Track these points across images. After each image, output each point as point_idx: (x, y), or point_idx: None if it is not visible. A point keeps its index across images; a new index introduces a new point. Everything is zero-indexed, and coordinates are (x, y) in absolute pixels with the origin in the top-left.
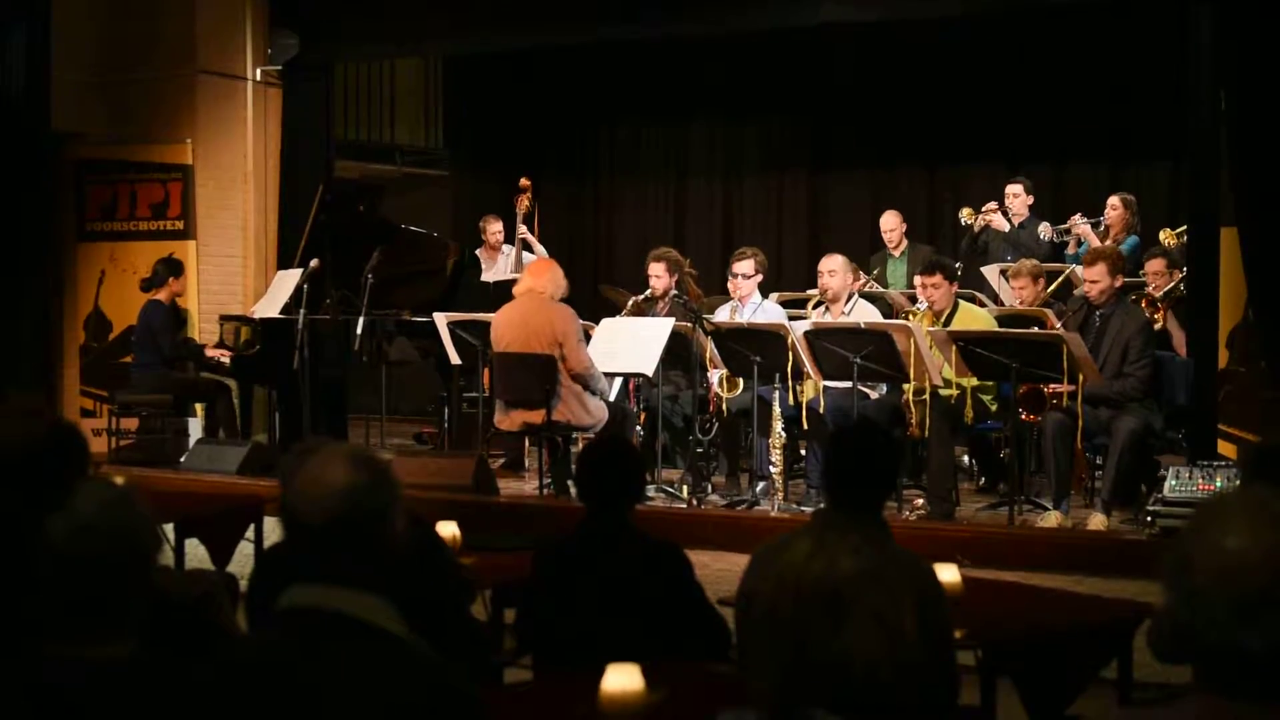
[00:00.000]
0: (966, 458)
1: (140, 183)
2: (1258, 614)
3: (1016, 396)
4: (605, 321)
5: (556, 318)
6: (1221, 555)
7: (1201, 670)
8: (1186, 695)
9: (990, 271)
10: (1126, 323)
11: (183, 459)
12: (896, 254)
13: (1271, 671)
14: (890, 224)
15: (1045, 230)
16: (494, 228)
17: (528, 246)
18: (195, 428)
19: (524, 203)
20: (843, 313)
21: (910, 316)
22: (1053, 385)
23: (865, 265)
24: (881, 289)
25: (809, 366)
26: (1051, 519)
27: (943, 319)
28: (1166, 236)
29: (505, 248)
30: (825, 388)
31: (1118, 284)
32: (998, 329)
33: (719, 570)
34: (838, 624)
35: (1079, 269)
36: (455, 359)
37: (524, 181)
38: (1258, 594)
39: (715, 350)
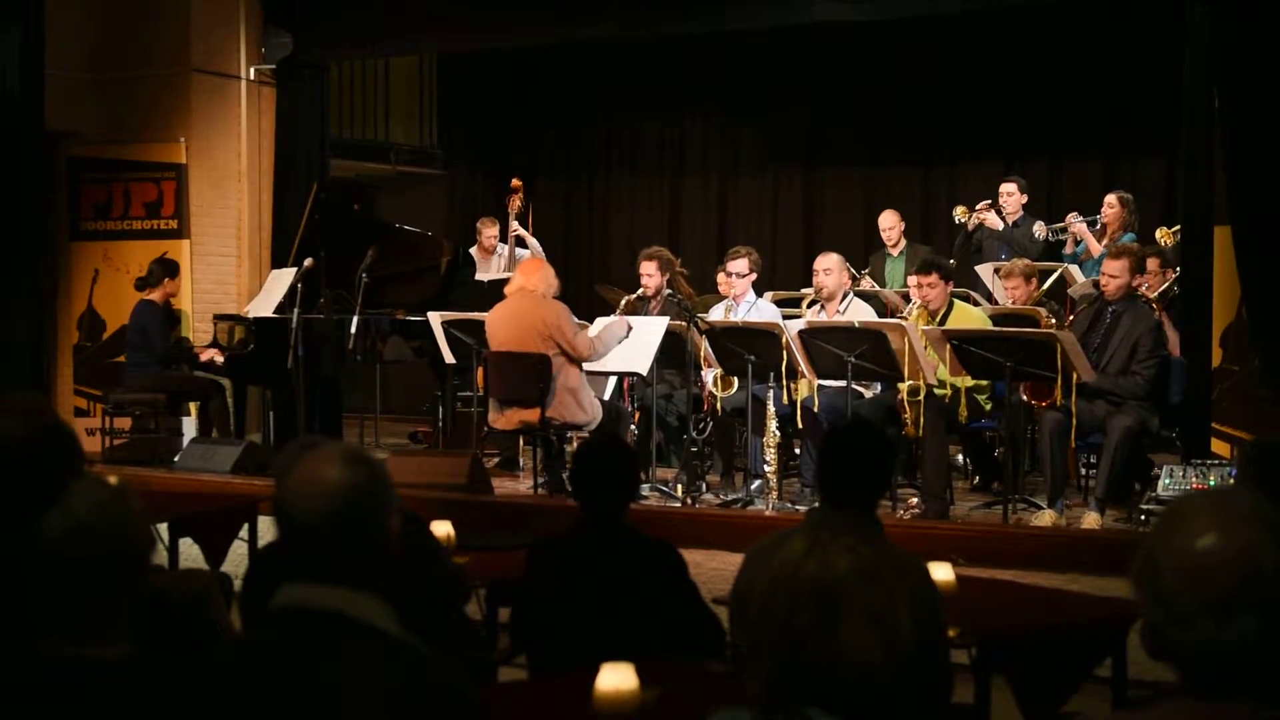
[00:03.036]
0: (961, 456)
1: (134, 181)
2: (1229, 614)
3: (1024, 384)
4: (599, 320)
5: (548, 315)
6: (1190, 556)
7: (1179, 672)
8: (1170, 698)
9: (984, 270)
10: (1138, 321)
11: (176, 458)
12: (895, 253)
13: (1246, 670)
14: (888, 223)
15: (1040, 230)
16: (490, 230)
17: (521, 243)
18: (189, 427)
19: (515, 203)
20: (837, 311)
21: (906, 317)
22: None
23: (862, 264)
24: (878, 288)
25: (803, 365)
26: (1046, 518)
27: (938, 318)
28: (1162, 235)
29: (500, 247)
30: (820, 387)
31: (1135, 282)
32: (992, 328)
33: (713, 569)
34: (832, 623)
35: (1073, 268)
36: (449, 358)
37: (515, 182)
38: (1228, 594)
39: (710, 349)
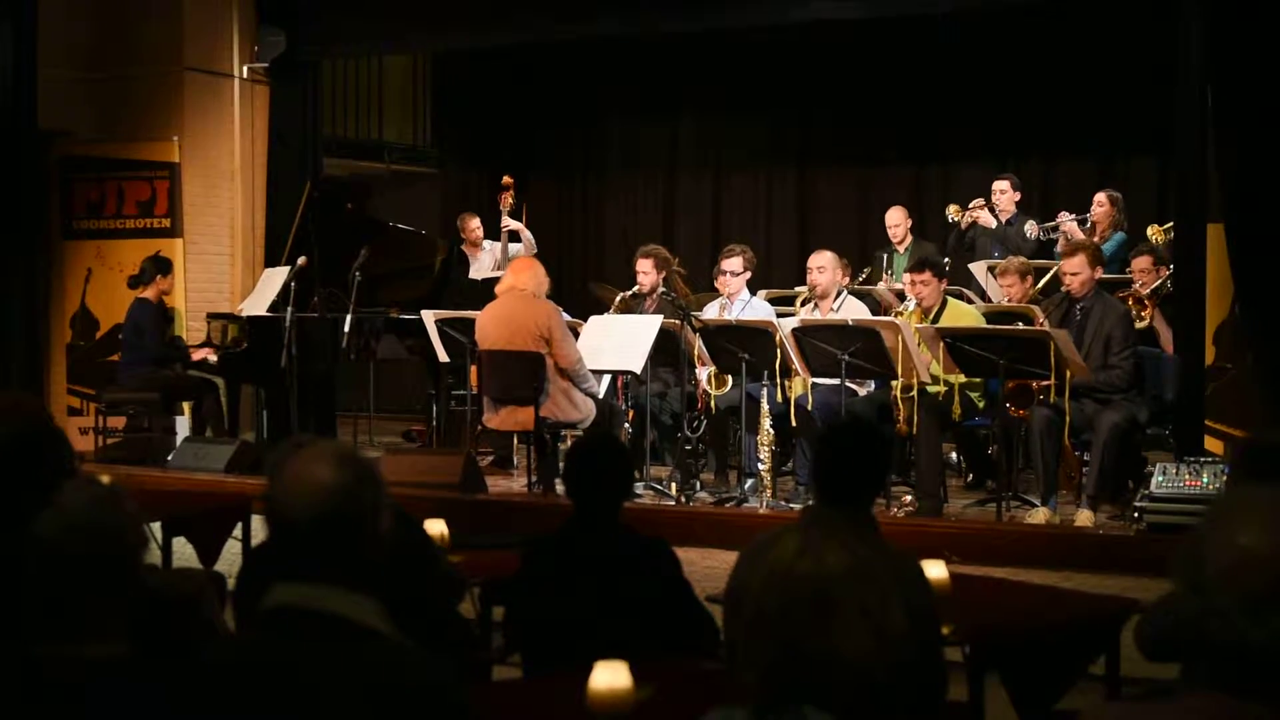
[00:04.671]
0: (954, 454)
1: (127, 180)
2: (1265, 612)
3: (1004, 392)
4: (594, 319)
5: (539, 315)
6: (1232, 551)
7: (1203, 665)
8: (1182, 689)
9: (978, 268)
10: (1107, 314)
11: (170, 457)
12: (901, 249)
13: (1274, 669)
14: (895, 219)
15: (1032, 229)
16: (472, 224)
17: (515, 237)
18: (182, 426)
19: (507, 200)
20: (831, 309)
21: (899, 315)
22: (1039, 381)
23: (867, 259)
24: (871, 286)
25: (797, 364)
26: (1039, 515)
27: (931, 316)
28: (1155, 233)
29: (486, 243)
30: (813, 385)
31: (1096, 275)
32: (985, 326)
33: (707, 568)
34: (825, 621)
35: None
36: (443, 356)
37: (506, 179)
38: (1266, 592)
39: (704, 347)
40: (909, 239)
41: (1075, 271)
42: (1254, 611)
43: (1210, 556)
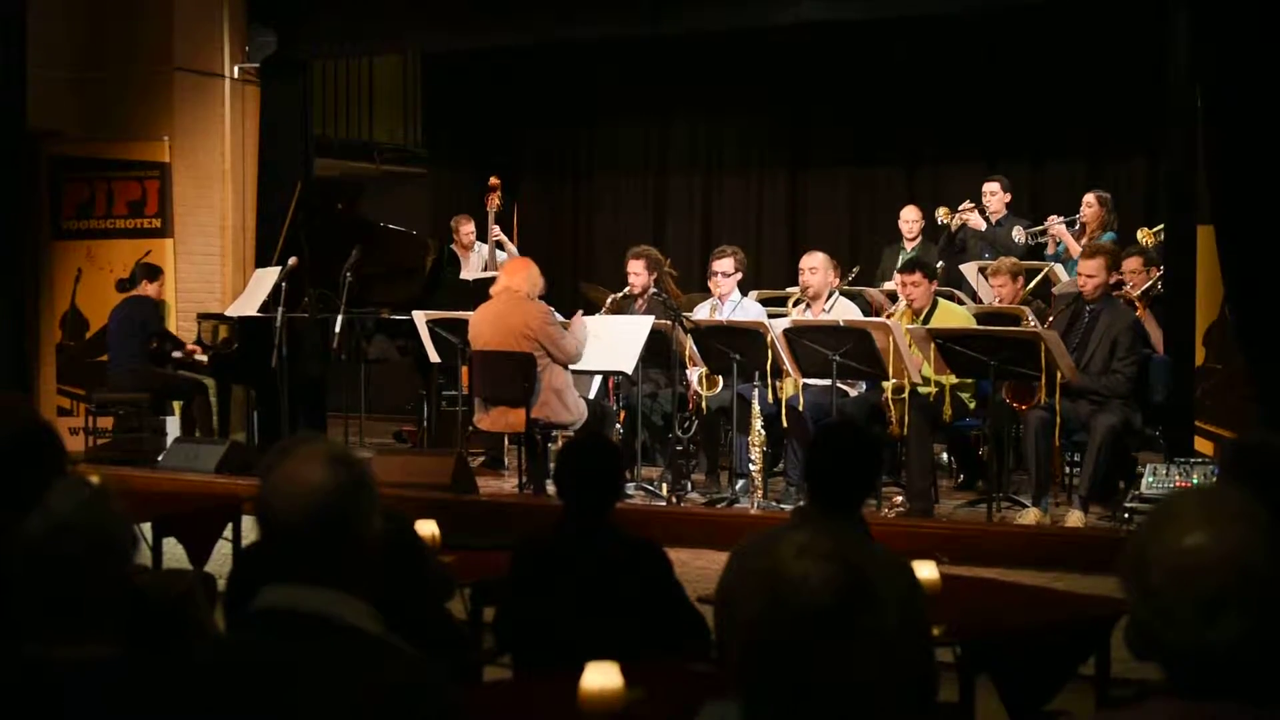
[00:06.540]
0: (945, 455)
1: (117, 180)
2: (1217, 613)
3: (1006, 386)
4: (585, 319)
5: (532, 316)
6: (1178, 555)
7: (1165, 669)
8: (1156, 697)
9: (969, 269)
10: (1116, 319)
11: (160, 458)
12: (909, 248)
13: (1233, 671)
14: (911, 216)
15: (1019, 234)
16: (466, 228)
17: (500, 246)
18: (173, 426)
19: (494, 201)
20: (823, 310)
21: (890, 316)
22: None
23: (858, 259)
24: (867, 286)
25: (788, 364)
26: (1030, 516)
27: (922, 317)
28: (1144, 235)
29: (478, 245)
30: (804, 385)
31: (1112, 280)
32: (976, 327)
33: (699, 568)
34: (817, 623)
35: (1058, 266)
36: (434, 357)
37: (493, 180)
38: (1216, 594)
39: (695, 348)
40: (920, 239)
41: (1091, 274)
42: (1209, 613)
43: (1156, 562)
